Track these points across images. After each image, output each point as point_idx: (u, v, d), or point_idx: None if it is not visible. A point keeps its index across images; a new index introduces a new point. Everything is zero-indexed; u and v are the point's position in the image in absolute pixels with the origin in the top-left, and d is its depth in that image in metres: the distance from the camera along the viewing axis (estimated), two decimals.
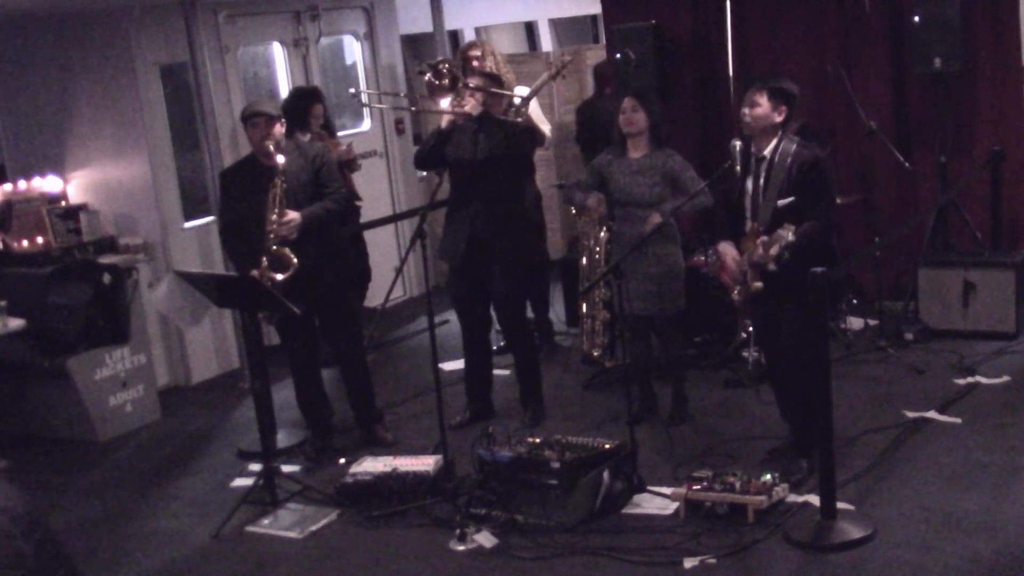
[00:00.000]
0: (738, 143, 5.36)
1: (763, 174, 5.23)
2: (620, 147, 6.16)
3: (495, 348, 7.21)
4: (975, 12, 7.47)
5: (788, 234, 4.94)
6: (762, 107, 5.20)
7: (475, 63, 7.39)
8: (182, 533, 5.55)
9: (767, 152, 5.23)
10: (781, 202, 5.15)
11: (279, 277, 5.84)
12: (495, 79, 6.72)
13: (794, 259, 5.02)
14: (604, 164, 6.22)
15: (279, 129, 5.98)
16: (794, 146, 5.22)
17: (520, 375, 6.58)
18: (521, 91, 7.52)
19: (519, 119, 6.32)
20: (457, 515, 5.20)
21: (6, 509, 1.71)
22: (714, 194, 5.71)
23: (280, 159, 5.87)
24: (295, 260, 5.87)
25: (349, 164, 7.83)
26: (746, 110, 5.24)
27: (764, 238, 5.07)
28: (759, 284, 5.21)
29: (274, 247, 5.86)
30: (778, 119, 5.23)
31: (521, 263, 6.42)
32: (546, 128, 7.63)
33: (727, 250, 5.38)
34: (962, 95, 7.64)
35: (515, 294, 6.42)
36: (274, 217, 5.84)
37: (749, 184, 5.29)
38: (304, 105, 7.44)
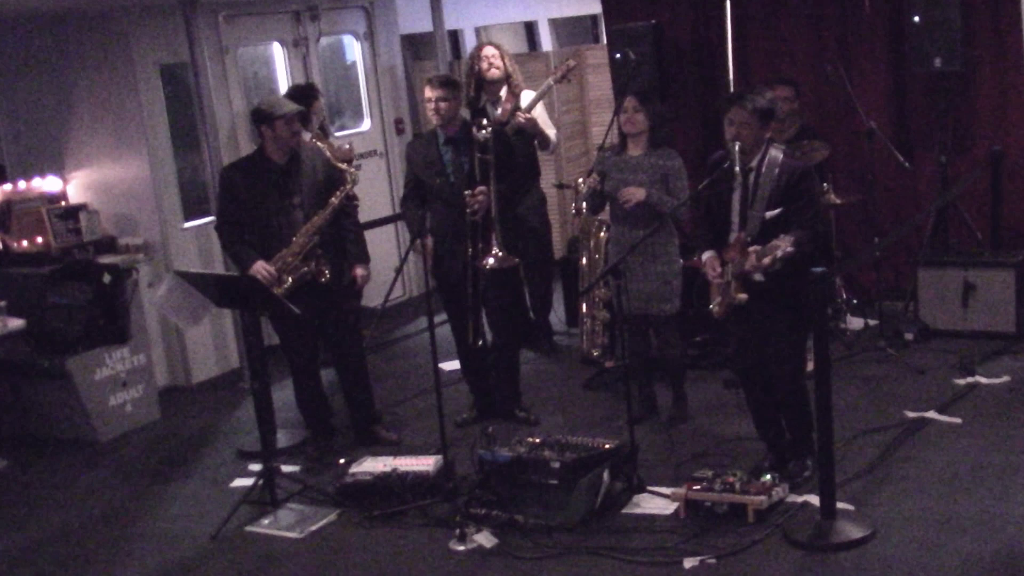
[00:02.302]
0: (738, 143, 5.33)
1: (750, 185, 5.17)
2: (620, 145, 6.19)
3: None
4: (975, 12, 7.47)
5: (786, 245, 4.90)
6: (752, 129, 5.12)
7: (488, 63, 7.40)
8: (182, 533, 5.55)
9: (754, 164, 5.17)
10: (769, 213, 5.10)
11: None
12: (457, 84, 6.44)
13: (782, 269, 5.00)
14: (603, 161, 6.25)
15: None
16: (780, 156, 5.17)
17: (499, 375, 6.53)
18: (527, 95, 7.52)
19: (484, 132, 6.10)
20: (457, 515, 5.20)
21: None
22: (701, 204, 5.63)
23: (350, 169, 6.11)
24: (327, 272, 6.00)
25: (348, 163, 7.83)
26: (735, 131, 5.12)
27: (757, 248, 5.02)
28: (744, 296, 5.15)
29: (317, 252, 6.00)
30: (766, 135, 5.19)
31: (513, 268, 6.40)
32: (552, 132, 7.58)
33: (710, 261, 5.31)
34: (962, 95, 7.64)
35: (505, 297, 6.41)
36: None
37: (735, 196, 5.22)
38: (306, 103, 7.42)
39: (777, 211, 5.09)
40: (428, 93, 6.23)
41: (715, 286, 5.32)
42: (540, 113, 7.45)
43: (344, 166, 6.15)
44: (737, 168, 5.16)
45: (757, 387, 5.45)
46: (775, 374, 5.32)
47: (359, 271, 6.20)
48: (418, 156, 6.37)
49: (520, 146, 6.93)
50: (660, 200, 5.96)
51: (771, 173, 5.13)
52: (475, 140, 6.10)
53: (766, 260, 4.97)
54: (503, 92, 7.43)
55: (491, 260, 6.06)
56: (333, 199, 6.03)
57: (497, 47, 7.58)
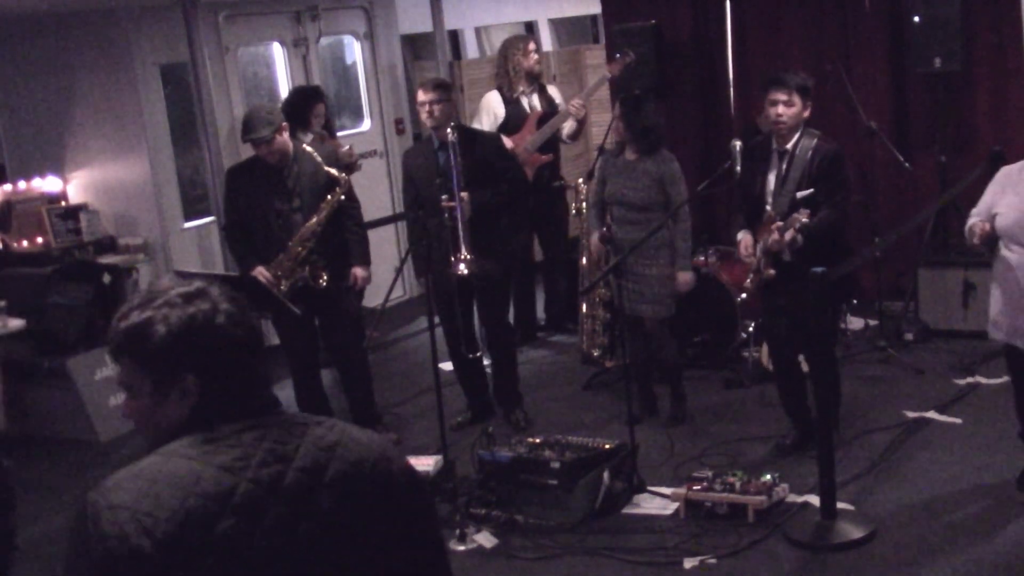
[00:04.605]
0: (738, 143, 5.44)
1: (784, 167, 5.37)
2: (619, 147, 6.22)
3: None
4: (975, 12, 7.46)
5: (803, 216, 5.11)
6: (796, 106, 5.35)
7: (535, 60, 7.76)
8: None
9: (789, 146, 5.38)
10: (800, 194, 5.32)
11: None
12: (449, 87, 6.42)
13: (809, 250, 5.12)
14: (602, 166, 6.31)
15: (280, 140, 5.96)
16: (815, 140, 5.38)
17: (496, 375, 6.53)
18: (555, 93, 7.93)
19: (451, 133, 6.04)
20: (457, 515, 5.20)
21: None
22: (731, 189, 5.84)
23: (337, 174, 6.02)
24: (325, 276, 5.97)
25: (350, 167, 7.83)
26: (781, 109, 5.32)
27: (779, 223, 5.23)
28: (772, 271, 5.37)
29: (312, 257, 5.97)
30: (806, 115, 5.40)
31: (506, 266, 6.40)
32: None
33: (744, 239, 5.53)
34: (962, 95, 7.64)
35: (499, 295, 6.41)
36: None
37: (771, 178, 5.44)
38: (306, 105, 7.45)
39: (808, 192, 5.31)
40: (421, 96, 6.19)
41: (748, 264, 5.55)
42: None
43: (335, 172, 6.07)
44: (738, 168, 5.32)
45: (785, 361, 5.61)
46: (807, 349, 5.41)
47: (359, 272, 6.18)
48: (416, 163, 6.35)
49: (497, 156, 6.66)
50: (684, 252, 6.12)
51: (804, 155, 5.34)
52: (448, 142, 6.01)
53: (788, 235, 5.17)
54: (534, 97, 7.80)
55: (461, 266, 5.96)
56: (323, 204, 6.00)
57: (536, 43, 7.96)
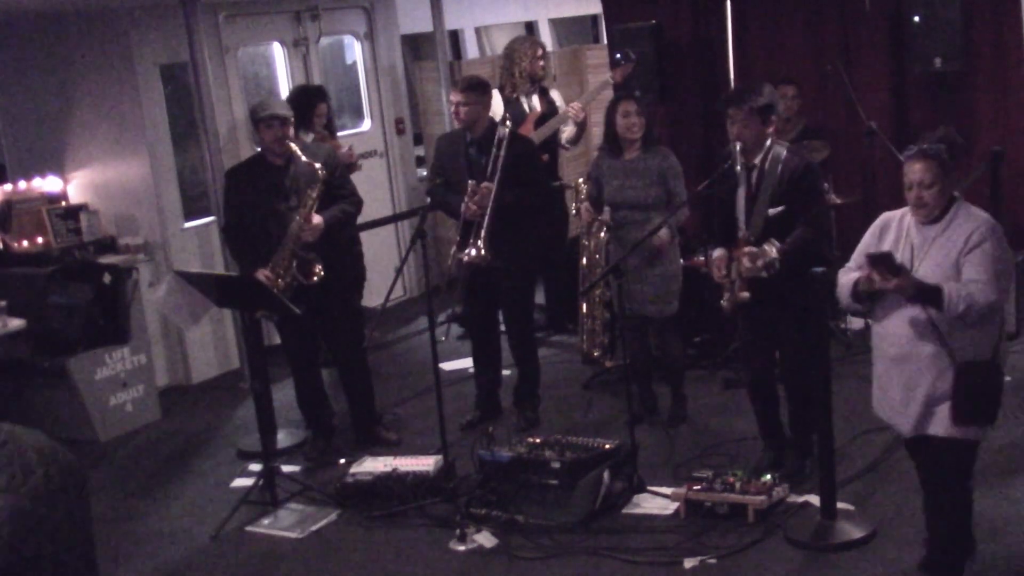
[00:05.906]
0: (739, 142, 5.36)
1: (754, 183, 5.20)
2: (613, 149, 6.17)
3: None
4: (975, 12, 7.47)
5: (772, 251, 4.95)
6: (753, 128, 5.14)
7: (541, 67, 7.82)
8: (182, 533, 5.56)
9: (757, 161, 5.19)
10: (772, 211, 5.12)
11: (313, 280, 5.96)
12: (483, 86, 6.40)
13: (788, 266, 5.00)
14: (596, 168, 6.26)
15: (291, 130, 5.98)
16: (784, 152, 5.19)
17: (520, 378, 6.56)
18: (556, 96, 7.89)
19: (504, 129, 6.14)
20: (457, 515, 5.20)
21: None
22: (709, 202, 5.67)
23: (318, 166, 5.92)
24: (319, 270, 5.94)
25: (350, 167, 7.84)
26: (737, 130, 5.14)
27: (752, 249, 5.05)
28: (746, 294, 5.14)
29: (300, 252, 5.92)
30: (768, 130, 5.20)
31: (529, 267, 6.40)
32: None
33: (718, 259, 5.30)
34: (962, 95, 7.64)
35: (523, 297, 6.42)
36: (300, 221, 5.88)
37: (740, 194, 5.24)
38: (308, 104, 7.45)
39: (780, 208, 5.11)
40: (452, 97, 6.31)
41: (724, 283, 5.32)
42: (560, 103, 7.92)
43: (319, 167, 6.00)
44: (738, 168, 5.19)
45: (762, 386, 5.47)
46: (784, 370, 5.33)
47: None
48: (447, 150, 6.39)
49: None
50: (667, 234, 6.01)
51: (774, 170, 5.14)
52: (496, 136, 6.09)
53: (759, 263, 5.00)
54: (533, 97, 7.83)
55: (472, 252, 6.00)
56: (309, 200, 5.94)
57: (543, 47, 7.96)
